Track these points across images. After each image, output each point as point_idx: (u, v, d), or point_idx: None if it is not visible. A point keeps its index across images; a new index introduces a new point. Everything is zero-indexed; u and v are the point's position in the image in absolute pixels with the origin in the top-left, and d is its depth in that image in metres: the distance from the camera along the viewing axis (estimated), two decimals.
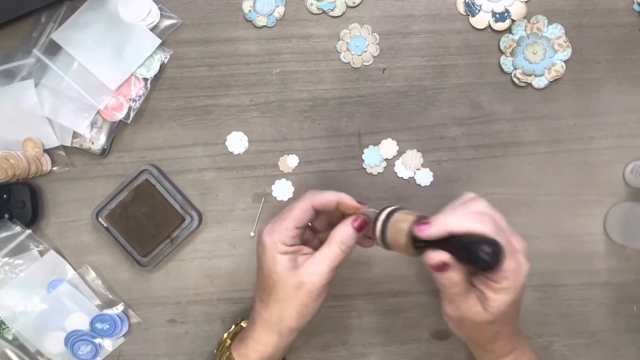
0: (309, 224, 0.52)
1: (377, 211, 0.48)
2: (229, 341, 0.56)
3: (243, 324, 0.58)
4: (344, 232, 0.49)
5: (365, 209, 0.49)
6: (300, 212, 0.49)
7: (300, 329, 0.52)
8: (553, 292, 0.63)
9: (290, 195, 0.62)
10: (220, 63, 0.62)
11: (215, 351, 0.58)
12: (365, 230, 0.49)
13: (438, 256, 0.44)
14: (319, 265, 0.48)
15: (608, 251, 0.62)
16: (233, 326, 0.59)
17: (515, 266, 0.44)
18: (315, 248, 0.50)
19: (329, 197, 0.49)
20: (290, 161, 0.62)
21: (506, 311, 0.46)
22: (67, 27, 0.60)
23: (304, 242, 0.51)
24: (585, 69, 0.62)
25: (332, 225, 0.50)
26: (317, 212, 0.50)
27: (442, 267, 0.44)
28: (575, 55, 0.61)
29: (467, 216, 0.44)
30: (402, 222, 0.46)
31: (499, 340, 0.50)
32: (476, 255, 0.41)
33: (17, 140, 0.61)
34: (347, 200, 0.49)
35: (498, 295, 0.45)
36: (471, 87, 0.62)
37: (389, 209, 0.47)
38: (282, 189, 0.62)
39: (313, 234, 0.54)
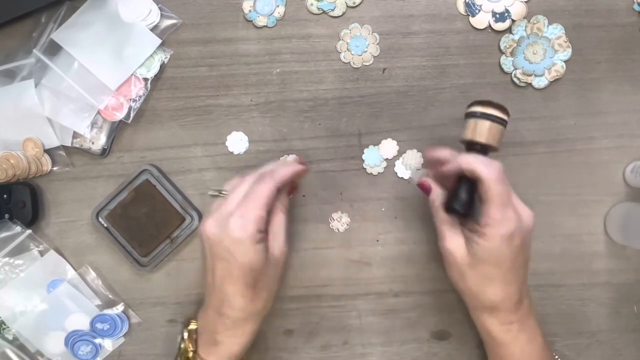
0: None
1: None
2: (190, 350, 0.53)
3: (192, 325, 0.54)
4: (284, 201, 0.53)
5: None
6: (267, 196, 0.49)
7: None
8: (553, 292, 0.63)
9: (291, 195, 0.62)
10: (221, 63, 0.62)
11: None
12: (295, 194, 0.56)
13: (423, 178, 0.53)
14: (280, 238, 0.52)
15: (608, 251, 0.62)
16: (186, 334, 0.54)
17: (500, 216, 0.47)
18: None
19: (287, 173, 0.52)
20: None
21: (487, 259, 0.48)
22: (67, 27, 0.60)
23: None
24: (586, 69, 0.62)
25: None
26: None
27: (424, 187, 0.53)
28: (575, 55, 0.61)
29: (477, 159, 0.48)
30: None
31: (482, 301, 0.51)
32: (453, 197, 0.49)
33: (17, 140, 0.61)
34: (300, 170, 0.53)
35: (480, 239, 0.48)
36: (471, 87, 0.62)
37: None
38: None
39: None
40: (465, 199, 0.49)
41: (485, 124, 0.49)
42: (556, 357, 0.57)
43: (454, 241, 0.50)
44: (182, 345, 0.53)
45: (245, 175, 0.53)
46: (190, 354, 0.53)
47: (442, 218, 0.51)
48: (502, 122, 0.50)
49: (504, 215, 0.47)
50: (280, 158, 0.62)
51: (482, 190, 0.47)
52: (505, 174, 0.48)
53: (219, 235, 0.48)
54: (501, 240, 0.47)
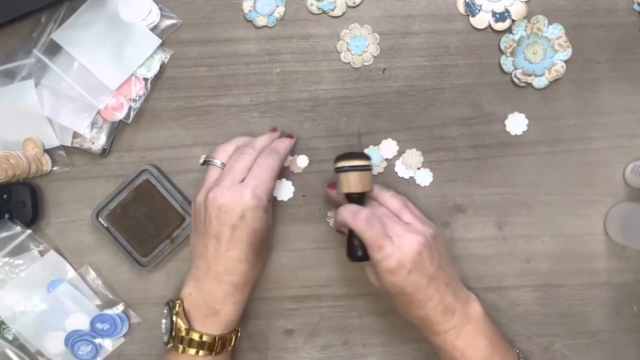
0: None
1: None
2: (183, 327, 0.54)
3: (180, 305, 0.54)
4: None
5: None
6: (278, 171, 0.56)
7: None
8: (553, 292, 0.63)
9: (291, 195, 0.62)
10: (221, 63, 0.62)
11: (169, 345, 0.54)
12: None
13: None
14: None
15: (608, 251, 0.62)
16: (178, 310, 0.54)
17: (379, 256, 0.51)
18: None
19: (288, 149, 0.58)
20: (300, 161, 0.62)
21: (388, 291, 0.52)
22: (67, 27, 0.60)
23: None
24: (586, 69, 0.62)
25: None
26: None
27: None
28: (575, 55, 0.61)
29: (346, 211, 0.53)
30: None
31: (412, 320, 0.55)
32: (348, 247, 0.55)
33: (17, 140, 0.61)
34: (293, 142, 0.60)
35: (374, 277, 0.54)
36: (471, 87, 0.62)
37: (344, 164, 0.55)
38: (284, 190, 0.62)
39: None
40: (359, 246, 0.53)
41: (347, 176, 0.54)
42: (517, 351, 0.58)
43: (372, 278, 0.55)
44: (175, 326, 0.54)
45: (232, 145, 0.58)
46: (184, 332, 0.54)
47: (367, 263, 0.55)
48: (362, 168, 0.54)
49: (382, 254, 0.51)
50: (290, 158, 0.62)
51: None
52: (372, 220, 0.51)
53: (232, 202, 0.52)
54: (390, 275, 0.51)
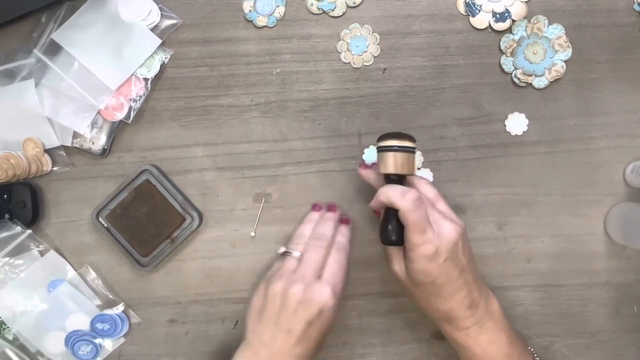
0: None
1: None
2: None
3: None
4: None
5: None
6: (346, 268, 0.57)
7: None
8: (553, 292, 0.63)
9: None
10: (221, 63, 0.62)
11: None
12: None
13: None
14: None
15: (608, 251, 0.62)
16: None
17: (420, 241, 0.50)
18: None
19: (350, 234, 0.60)
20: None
21: (420, 279, 0.51)
22: (68, 27, 0.60)
23: None
24: (586, 69, 0.62)
25: None
26: None
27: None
28: (575, 55, 0.61)
29: (393, 191, 0.51)
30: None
31: (435, 313, 0.54)
32: (383, 229, 0.53)
33: (17, 140, 0.61)
34: (350, 227, 0.61)
35: (409, 262, 0.52)
36: (471, 87, 0.62)
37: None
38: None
39: None
40: (394, 229, 0.52)
41: (395, 156, 0.52)
42: (531, 349, 0.57)
43: (397, 265, 0.54)
44: None
45: (307, 230, 0.58)
46: None
47: (390, 251, 0.55)
48: (410, 150, 0.53)
49: (423, 239, 0.50)
50: (314, 213, 0.61)
51: (402, 219, 0.51)
52: (420, 202, 0.50)
53: (313, 299, 0.52)
54: (426, 261, 0.50)
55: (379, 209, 0.54)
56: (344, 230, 0.59)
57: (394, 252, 0.54)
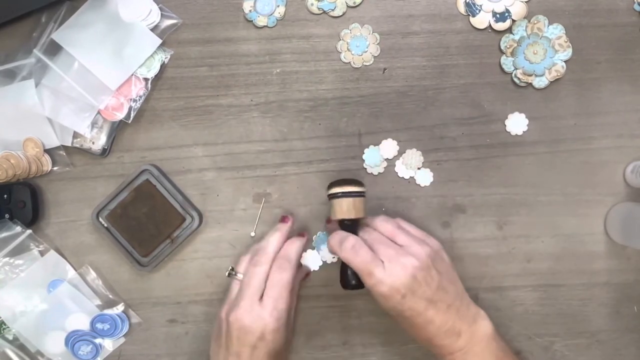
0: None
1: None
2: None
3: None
4: (295, 284, 0.59)
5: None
6: (291, 284, 0.56)
7: None
8: (553, 292, 0.63)
9: (320, 263, 0.63)
10: (221, 63, 0.62)
11: None
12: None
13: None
14: (292, 319, 0.59)
15: (608, 251, 0.62)
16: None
17: (370, 283, 0.51)
18: None
19: (298, 255, 0.58)
20: (312, 261, 0.63)
21: (389, 313, 0.52)
22: (68, 27, 0.60)
23: None
24: (586, 69, 0.62)
25: None
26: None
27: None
28: (575, 55, 0.61)
29: (334, 240, 0.53)
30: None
31: (419, 342, 0.54)
32: (341, 275, 0.56)
33: (17, 140, 0.61)
34: (304, 242, 0.59)
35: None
36: (471, 87, 0.62)
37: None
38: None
39: None
40: (352, 274, 0.54)
41: (340, 202, 0.55)
42: None
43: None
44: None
45: (250, 256, 0.58)
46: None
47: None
48: (355, 195, 0.55)
49: (373, 280, 0.51)
50: (281, 224, 0.60)
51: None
52: (359, 246, 0.52)
53: (252, 325, 0.52)
54: (384, 300, 0.51)
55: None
56: (292, 242, 0.58)
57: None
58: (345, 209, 0.54)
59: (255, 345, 0.52)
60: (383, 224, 0.55)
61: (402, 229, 0.55)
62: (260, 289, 0.54)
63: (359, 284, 0.53)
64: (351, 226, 0.55)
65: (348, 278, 0.54)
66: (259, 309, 0.53)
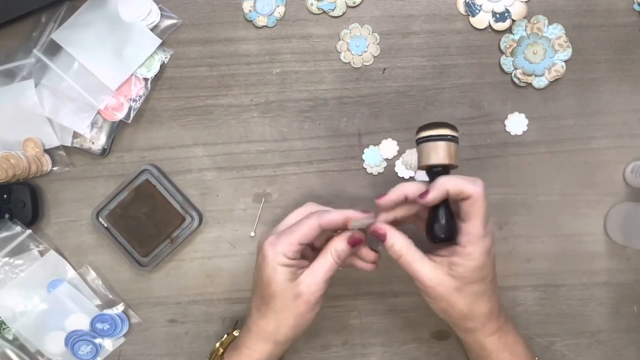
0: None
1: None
2: (221, 350, 0.56)
3: (235, 333, 0.58)
4: (339, 246, 0.50)
5: (361, 221, 0.50)
6: (307, 230, 0.50)
7: (295, 338, 0.53)
8: (553, 292, 0.63)
9: None
10: (221, 63, 0.62)
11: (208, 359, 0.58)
12: (357, 247, 0.51)
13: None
14: (315, 277, 0.50)
15: (608, 251, 0.62)
16: (225, 335, 0.59)
17: (484, 232, 0.47)
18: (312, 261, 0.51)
19: (336, 218, 0.50)
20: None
21: (472, 277, 0.48)
22: (67, 27, 0.60)
23: (302, 257, 0.52)
24: (586, 69, 0.62)
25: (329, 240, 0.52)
26: (322, 231, 0.51)
27: (379, 234, 0.50)
28: (575, 55, 0.61)
29: (462, 179, 0.47)
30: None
31: (475, 318, 0.50)
32: (436, 225, 0.48)
33: (17, 140, 0.61)
34: (354, 216, 0.50)
35: (463, 260, 0.47)
36: (471, 87, 0.62)
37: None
38: None
39: (311, 250, 0.54)
40: (448, 225, 0.48)
41: (449, 145, 0.48)
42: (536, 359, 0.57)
43: (434, 277, 0.48)
44: (217, 345, 0.58)
45: (313, 206, 0.54)
46: (220, 352, 0.56)
47: (412, 259, 0.49)
48: (456, 139, 0.49)
49: (486, 230, 0.47)
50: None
51: (466, 209, 0.47)
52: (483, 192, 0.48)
53: (261, 249, 0.51)
54: (485, 255, 0.47)
55: (434, 203, 0.48)
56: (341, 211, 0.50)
57: (420, 263, 0.49)
58: (453, 152, 0.48)
59: (257, 268, 0.52)
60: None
61: None
62: (286, 226, 0.52)
63: (453, 236, 0.48)
64: (441, 174, 0.49)
65: (445, 227, 0.48)
66: (272, 237, 0.51)
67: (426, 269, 0.49)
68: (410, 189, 0.49)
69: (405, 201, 0.50)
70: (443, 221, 0.48)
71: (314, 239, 0.51)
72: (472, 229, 0.47)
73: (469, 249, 0.47)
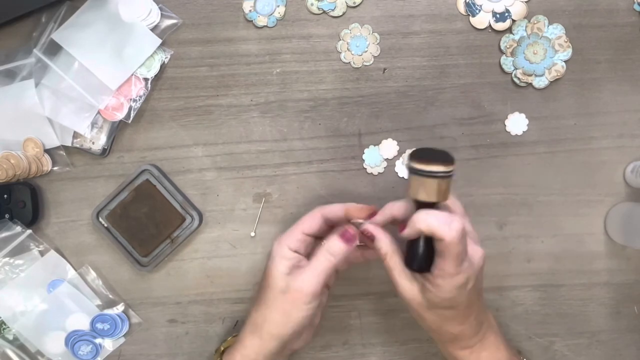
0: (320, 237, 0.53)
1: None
2: (222, 348, 0.57)
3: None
4: (331, 244, 0.51)
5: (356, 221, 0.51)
6: (309, 219, 0.52)
7: (283, 338, 0.51)
8: (553, 292, 0.63)
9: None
10: (221, 63, 0.62)
11: None
12: (354, 243, 0.51)
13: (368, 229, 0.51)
14: (309, 273, 0.50)
15: (608, 251, 0.62)
16: (229, 338, 0.59)
17: (455, 271, 0.46)
18: None
19: (337, 207, 0.52)
20: None
21: (442, 305, 0.48)
22: (68, 27, 0.60)
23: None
24: (586, 69, 0.62)
25: None
26: (329, 225, 0.52)
27: (367, 235, 0.50)
28: (575, 55, 0.61)
29: (437, 219, 0.45)
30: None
31: (443, 334, 0.51)
32: (413, 255, 0.48)
33: (17, 140, 0.61)
34: (353, 207, 0.51)
35: (434, 289, 0.48)
36: (472, 87, 0.62)
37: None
38: None
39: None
40: (425, 257, 0.48)
41: (439, 183, 0.46)
42: (522, 358, 0.57)
43: (407, 290, 0.49)
44: (221, 347, 0.58)
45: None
46: (221, 350, 0.57)
47: (393, 266, 0.50)
48: (450, 175, 0.47)
49: (459, 269, 0.46)
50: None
51: (440, 248, 0.46)
52: (464, 233, 0.46)
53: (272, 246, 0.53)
54: (456, 290, 0.47)
55: (412, 235, 0.48)
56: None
57: (403, 274, 0.50)
58: (443, 190, 0.46)
59: (264, 268, 0.53)
60: (458, 207, 0.51)
61: (465, 214, 0.52)
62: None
63: (429, 267, 0.47)
64: (428, 206, 0.47)
65: (420, 261, 0.48)
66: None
67: (403, 281, 0.50)
68: (398, 211, 0.50)
69: (394, 220, 0.51)
70: (418, 253, 0.48)
71: (320, 233, 0.53)
72: (444, 265, 0.46)
73: (438, 281, 0.47)
